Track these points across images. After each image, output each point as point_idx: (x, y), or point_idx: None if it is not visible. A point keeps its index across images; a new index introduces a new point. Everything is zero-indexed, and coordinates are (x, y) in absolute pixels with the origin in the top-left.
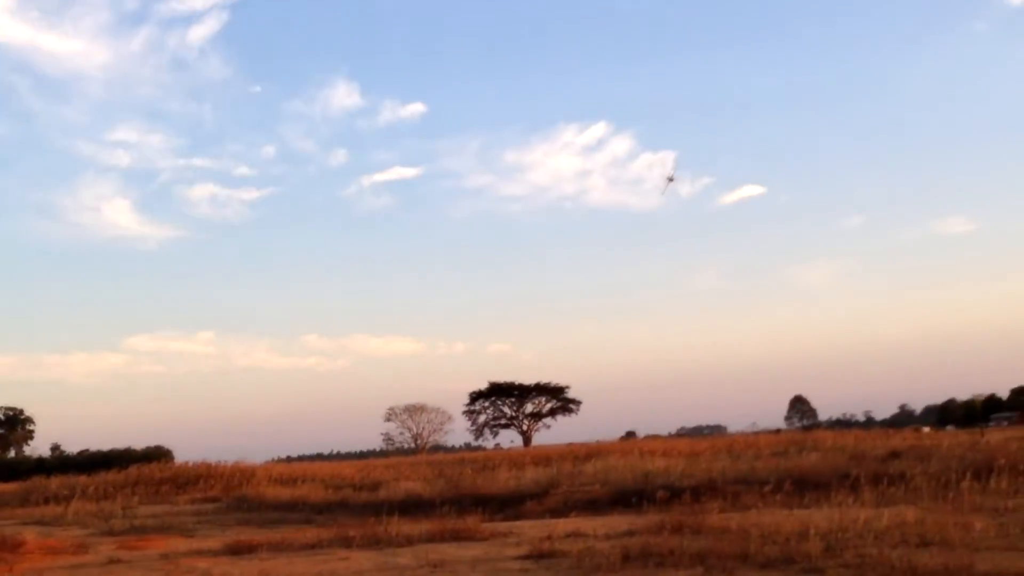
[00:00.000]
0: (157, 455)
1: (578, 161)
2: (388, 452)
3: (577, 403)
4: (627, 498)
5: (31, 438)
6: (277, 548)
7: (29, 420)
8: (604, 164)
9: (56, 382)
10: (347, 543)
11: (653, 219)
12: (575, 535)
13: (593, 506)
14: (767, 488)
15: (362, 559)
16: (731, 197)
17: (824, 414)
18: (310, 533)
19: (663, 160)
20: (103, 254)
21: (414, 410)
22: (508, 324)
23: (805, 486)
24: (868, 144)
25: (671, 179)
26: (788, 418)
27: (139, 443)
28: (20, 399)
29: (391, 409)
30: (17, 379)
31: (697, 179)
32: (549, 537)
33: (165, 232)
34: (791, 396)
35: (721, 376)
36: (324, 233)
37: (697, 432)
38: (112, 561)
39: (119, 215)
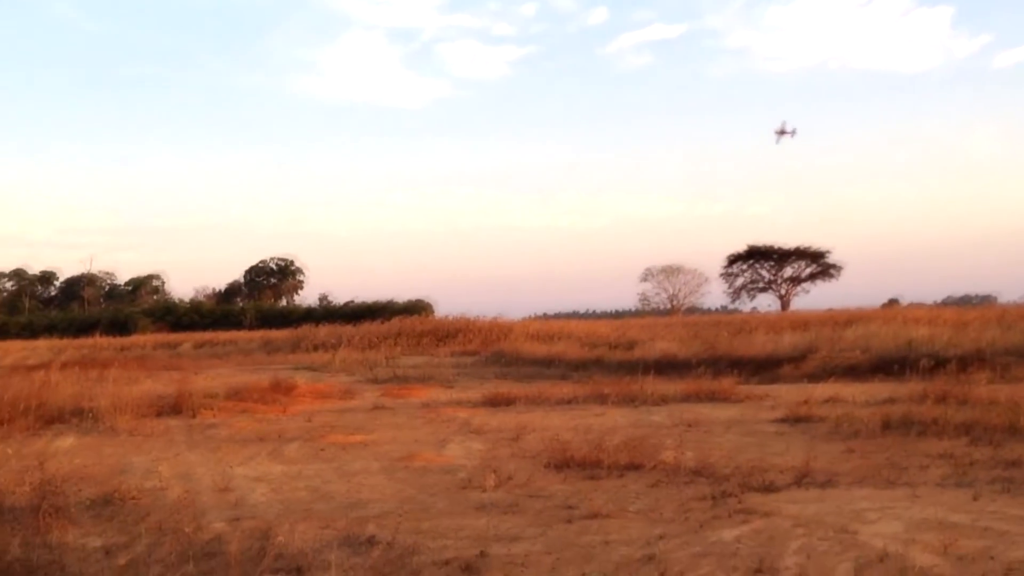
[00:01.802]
0: (418, 308)
1: (845, 19)
2: (643, 312)
3: (838, 269)
4: (888, 366)
5: (301, 288)
6: (533, 402)
7: (299, 271)
8: (873, 22)
9: (324, 235)
10: (602, 400)
11: (925, 79)
12: (833, 401)
13: (852, 373)
14: None
15: (617, 416)
16: (1011, 56)
17: None
18: (566, 389)
19: (939, 17)
20: (367, 111)
21: (671, 271)
22: (768, 186)
23: None
24: None
25: (784, 132)
26: None
27: (401, 296)
28: (291, 250)
29: (647, 270)
30: (288, 231)
31: (975, 37)
32: (806, 402)
33: (427, 90)
34: None
35: (993, 243)
36: (582, 92)
37: (964, 301)
38: (377, 407)
39: (383, 73)
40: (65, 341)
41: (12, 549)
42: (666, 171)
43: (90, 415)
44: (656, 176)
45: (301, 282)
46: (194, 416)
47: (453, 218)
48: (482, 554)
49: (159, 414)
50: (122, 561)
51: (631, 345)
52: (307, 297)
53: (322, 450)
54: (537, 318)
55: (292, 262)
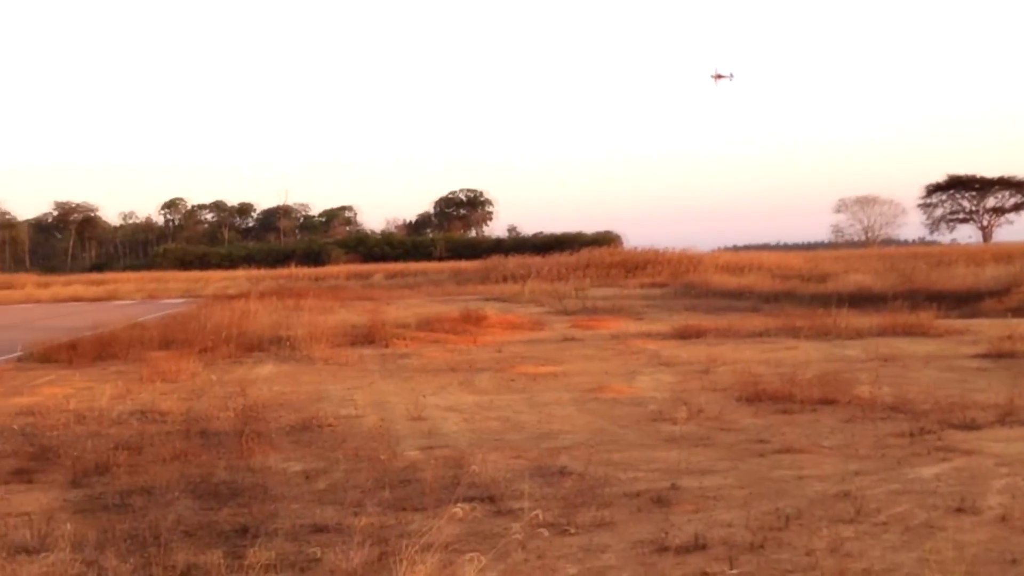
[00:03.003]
0: (606, 240)
1: None
2: (837, 244)
3: None
4: None
5: (490, 220)
6: (724, 334)
7: (488, 202)
8: None
9: (512, 167)
10: (794, 333)
11: None
12: None
13: None
14: None
15: (810, 349)
16: None
17: None
18: (757, 321)
19: None
20: None
21: (865, 202)
22: (966, 115)
23: None
24: None
25: (720, 77)
26: None
27: (589, 228)
28: (480, 183)
29: (841, 200)
30: (478, 162)
31: None
32: (1010, 337)
33: None
34: None
35: None
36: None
37: None
38: (566, 339)
39: None
40: (262, 271)
41: (218, 472)
42: (860, 96)
43: (287, 344)
44: (844, 104)
45: (490, 213)
46: (387, 346)
47: (638, 147)
48: (673, 487)
49: (353, 344)
50: (321, 485)
51: (824, 278)
52: (496, 228)
53: (512, 381)
54: (727, 250)
55: (481, 193)
